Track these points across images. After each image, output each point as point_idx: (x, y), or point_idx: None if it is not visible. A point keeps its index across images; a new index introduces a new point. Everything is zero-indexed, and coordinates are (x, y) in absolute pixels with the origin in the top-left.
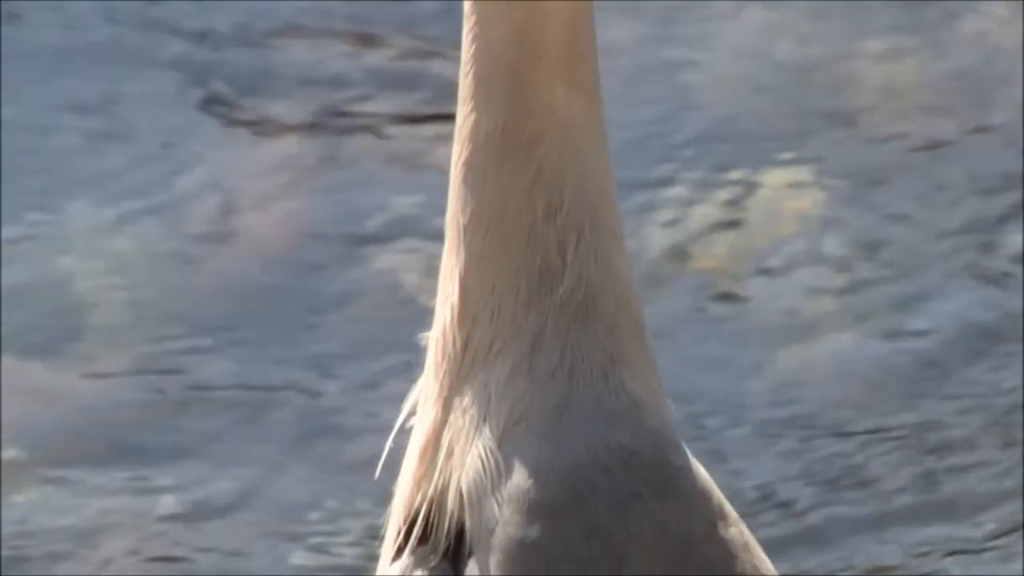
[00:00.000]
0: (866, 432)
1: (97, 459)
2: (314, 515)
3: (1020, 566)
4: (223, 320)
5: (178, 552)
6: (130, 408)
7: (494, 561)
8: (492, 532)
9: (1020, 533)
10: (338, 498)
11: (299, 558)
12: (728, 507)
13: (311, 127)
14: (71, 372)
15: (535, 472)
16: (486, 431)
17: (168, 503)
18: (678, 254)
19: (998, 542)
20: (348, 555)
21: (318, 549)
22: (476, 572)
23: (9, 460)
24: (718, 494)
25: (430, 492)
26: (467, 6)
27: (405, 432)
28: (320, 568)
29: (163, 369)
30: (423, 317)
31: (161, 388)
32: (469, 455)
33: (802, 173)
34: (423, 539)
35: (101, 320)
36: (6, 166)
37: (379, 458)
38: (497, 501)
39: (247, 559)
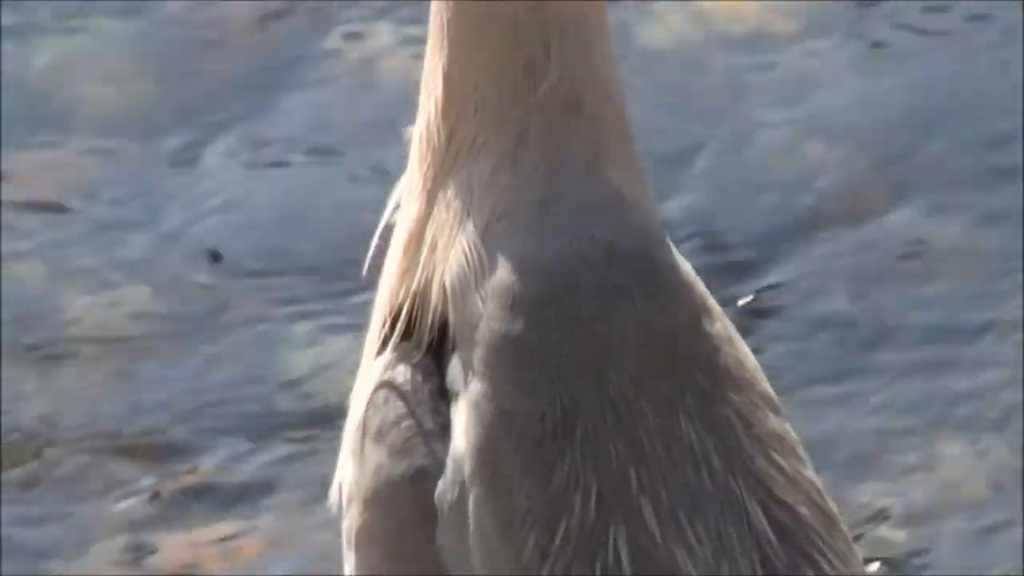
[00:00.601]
0: None
1: None
2: None
3: None
4: None
5: None
6: None
7: (477, 356)
8: (475, 327)
9: None
10: None
11: None
12: (712, 302)
13: None
14: None
15: (518, 266)
16: (469, 225)
17: None
18: None
19: None
20: None
21: None
22: (459, 367)
23: None
24: (702, 288)
25: (413, 287)
26: None
27: (390, 227)
28: None
29: None
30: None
31: None
32: (452, 250)
33: None
34: (406, 334)
35: None
36: None
37: None
38: (480, 296)
39: None
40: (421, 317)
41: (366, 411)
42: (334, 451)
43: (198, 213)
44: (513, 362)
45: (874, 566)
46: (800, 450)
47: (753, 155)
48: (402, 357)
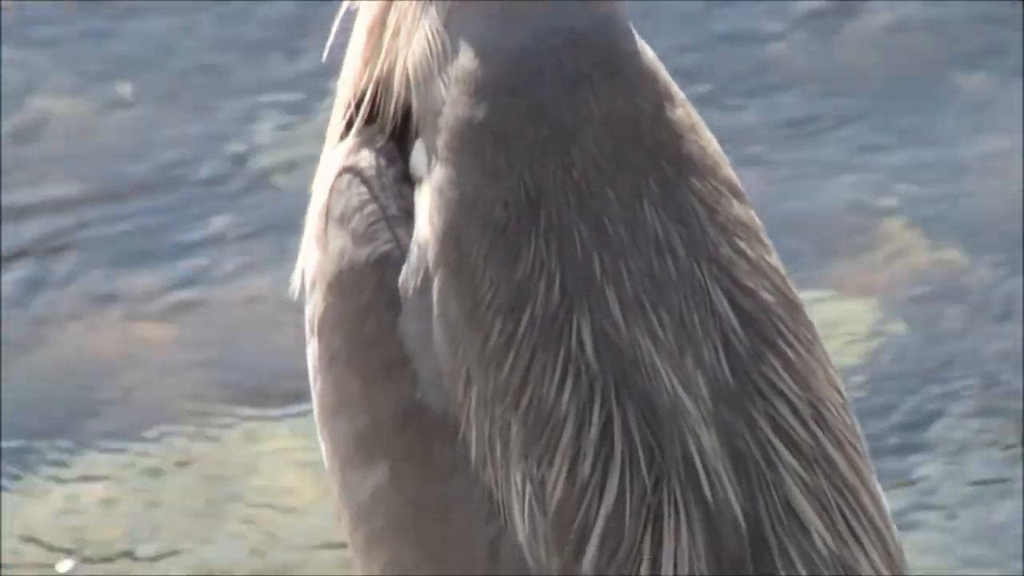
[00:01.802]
0: None
1: None
2: None
3: None
4: None
5: None
6: None
7: (441, 142)
8: (438, 113)
9: None
10: None
11: None
12: (675, 88)
13: None
14: None
15: (482, 52)
16: (432, 10)
17: None
18: None
19: None
20: None
21: None
22: (423, 152)
23: None
24: (665, 76)
25: (376, 72)
26: None
27: (352, 13)
28: None
29: None
30: None
31: None
32: (415, 35)
33: None
34: (370, 119)
35: None
36: None
37: None
38: (443, 81)
39: None
40: (384, 102)
41: (329, 196)
42: None
43: None
44: (477, 148)
45: None
46: (764, 236)
47: None
48: (365, 142)
